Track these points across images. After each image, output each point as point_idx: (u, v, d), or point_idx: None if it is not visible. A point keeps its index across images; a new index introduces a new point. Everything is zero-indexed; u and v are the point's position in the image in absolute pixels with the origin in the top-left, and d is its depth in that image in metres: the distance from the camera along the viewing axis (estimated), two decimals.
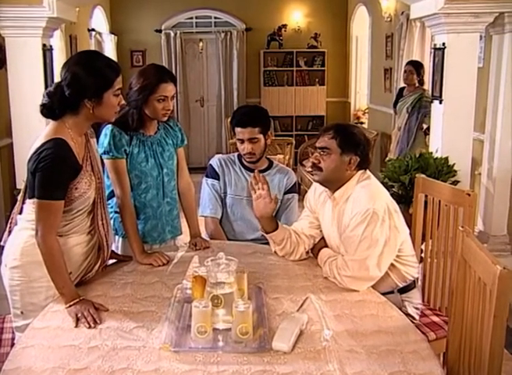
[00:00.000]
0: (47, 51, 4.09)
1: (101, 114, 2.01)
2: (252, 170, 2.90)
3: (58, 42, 5.44)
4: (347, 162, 2.22)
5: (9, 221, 2.14)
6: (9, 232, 2.11)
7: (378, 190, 2.25)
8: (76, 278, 2.11)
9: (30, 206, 2.03)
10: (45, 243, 1.93)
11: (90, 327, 1.82)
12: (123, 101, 2.07)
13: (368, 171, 2.30)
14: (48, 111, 1.98)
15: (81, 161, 2.03)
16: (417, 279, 2.39)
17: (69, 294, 1.95)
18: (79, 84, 1.93)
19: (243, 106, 3.26)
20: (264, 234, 2.45)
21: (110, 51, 7.69)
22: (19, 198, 2.11)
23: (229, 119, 7.64)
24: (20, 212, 2.09)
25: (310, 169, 2.35)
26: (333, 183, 2.27)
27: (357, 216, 2.13)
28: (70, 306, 1.92)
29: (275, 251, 2.45)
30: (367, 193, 2.17)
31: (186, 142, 2.75)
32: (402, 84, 5.72)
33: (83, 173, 2.01)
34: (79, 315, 1.87)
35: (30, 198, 2.01)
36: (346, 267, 2.11)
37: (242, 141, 2.79)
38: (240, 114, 2.84)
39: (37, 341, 1.74)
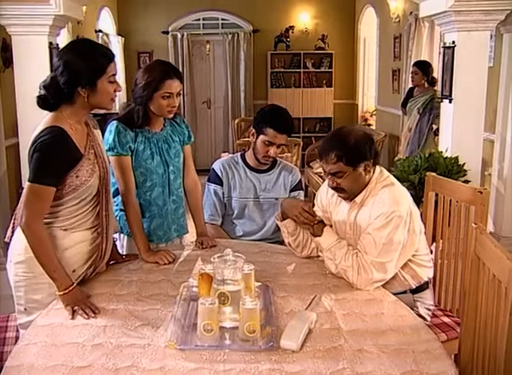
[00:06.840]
0: (53, 49, 4.07)
1: (97, 102, 1.99)
2: (257, 170, 2.89)
3: (65, 43, 5.43)
4: (363, 170, 2.15)
5: (13, 217, 2.11)
6: (13, 228, 2.08)
7: (402, 192, 2.20)
8: (80, 276, 2.08)
9: None
10: (30, 229, 1.90)
11: (88, 318, 1.81)
12: (120, 88, 2.03)
13: (384, 171, 2.25)
14: (43, 102, 1.96)
15: (83, 149, 2.00)
16: (431, 279, 2.34)
17: (61, 277, 1.92)
18: (71, 71, 1.91)
19: (280, 108, 2.89)
20: (279, 223, 2.38)
21: (117, 52, 7.68)
22: (23, 194, 2.07)
23: (236, 121, 7.69)
24: None
25: (337, 194, 2.27)
26: (358, 192, 2.21)
27: (382, 218, 2.08)
28: (64, 294, 1.90)
29: (288, 244, 2.39)
30: (391, 195, 2.13)
31: (193, 139, 2.71)
32: (410, 85, 5.68)
33: (83, 161, 1.98)
34: (75, 308, 1.85)
35: None
36: (368, 269, 2.05)
37: (270, 144, 2.77)
38: (282, 119, 2.81)
39: (40, 338, 1.71)
